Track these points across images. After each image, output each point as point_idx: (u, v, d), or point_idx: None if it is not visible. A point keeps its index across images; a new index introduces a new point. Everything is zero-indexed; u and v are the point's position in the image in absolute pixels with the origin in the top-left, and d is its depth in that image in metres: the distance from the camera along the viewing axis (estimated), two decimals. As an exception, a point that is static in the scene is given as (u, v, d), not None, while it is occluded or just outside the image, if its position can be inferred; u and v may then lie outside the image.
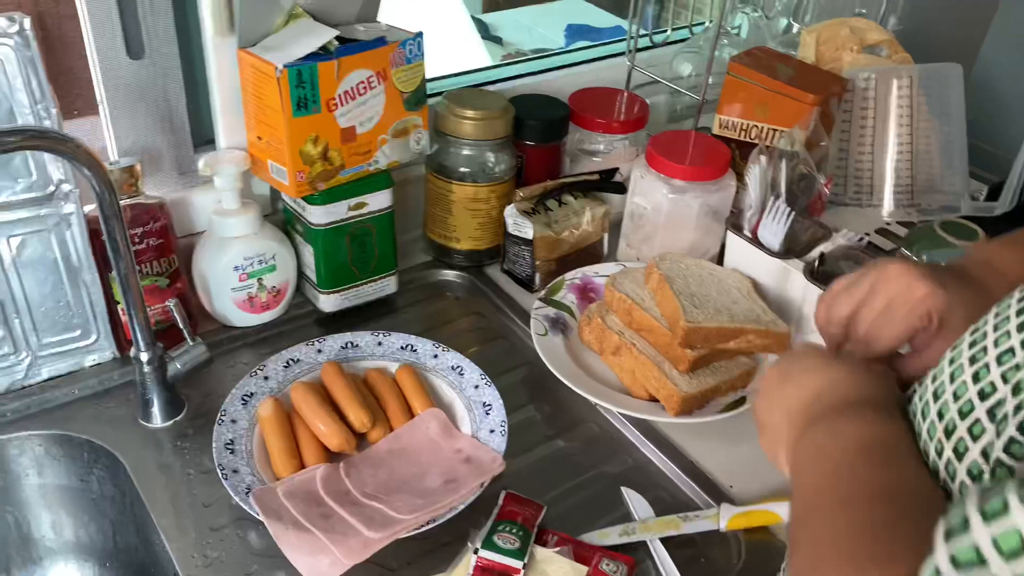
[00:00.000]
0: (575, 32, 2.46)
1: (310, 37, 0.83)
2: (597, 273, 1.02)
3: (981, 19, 1.48)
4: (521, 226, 0.99)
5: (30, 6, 0.76)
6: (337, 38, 0.85)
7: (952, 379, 0.44)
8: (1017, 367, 0.40)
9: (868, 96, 1.00)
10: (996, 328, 0.42)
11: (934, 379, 0.46)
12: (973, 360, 0.43)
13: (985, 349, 0.42)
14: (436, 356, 0.88)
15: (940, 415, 0.44)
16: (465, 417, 0.82)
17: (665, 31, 1.24)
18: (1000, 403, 0.40)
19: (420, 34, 0.89)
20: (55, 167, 0.78)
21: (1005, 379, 0.40)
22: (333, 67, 0.82)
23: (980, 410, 0.41)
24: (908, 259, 0.64)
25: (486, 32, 2.50)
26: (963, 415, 0.42)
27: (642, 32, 1.16)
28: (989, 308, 0.45)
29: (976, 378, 0.42)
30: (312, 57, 0.81)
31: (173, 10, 0.83)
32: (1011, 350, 0.40)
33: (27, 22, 0.72)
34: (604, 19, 2.61)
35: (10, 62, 0.72)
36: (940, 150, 1.02)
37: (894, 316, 0.60)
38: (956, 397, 0.43)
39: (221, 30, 0.83)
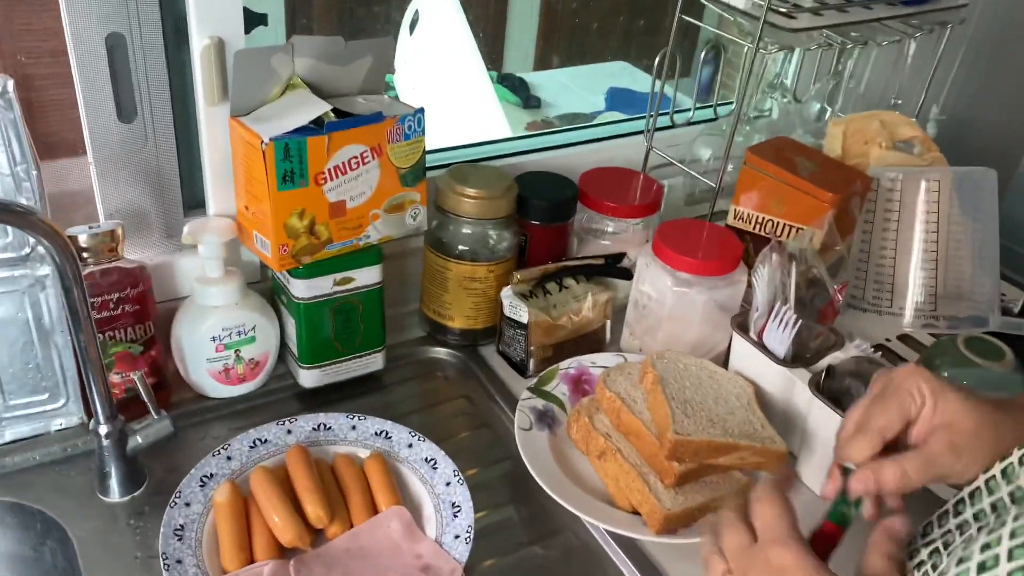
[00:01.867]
0: (616, 96, 2.44)
1: (303, 109, 0.81)
2: (594, 363, 0.97)
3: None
4: (517, 309, 0.95)
5: (13, 68, 0.75)
6: (335, 110, 0.83)
7: None
8: None
9: (894, 197, 0.95)
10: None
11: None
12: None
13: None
14: (411, 445, 0.84)
15: None
16: (432, 518, 0.77)
17: (688, 110, 1.20)
18: None
19: (421, 110, 0.86)
20: (32, 229, 0.76)
21: None
22: (323, 142, 0.79)
23: None
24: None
25: (526, 91, 2.49)
26: None
27: (663, 111, 1.12)
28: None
29: None
30: (302, 131, 0.79)
31: (168, 74, 0.81)
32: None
33: (10, 84, 0.71)
34: (646, 83, 2.60)
35: (-9, 123, 0.71)
36: (972, 255, 0.95)
37: (886, 400, 0.61)
38: None
39: (213, 98, 0.81)
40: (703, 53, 1.13)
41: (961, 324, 0.92)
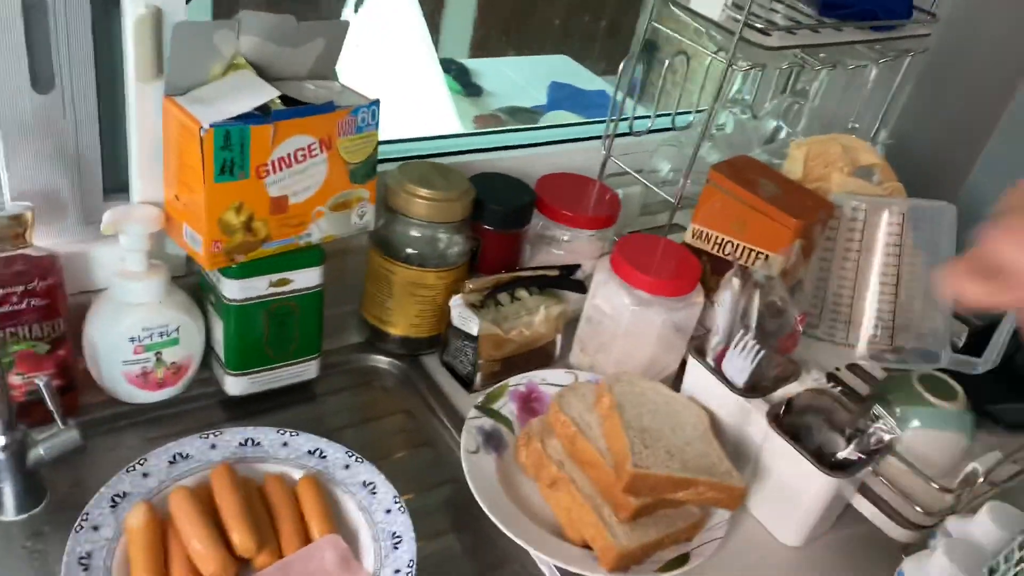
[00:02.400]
0: (558, 91, 2.40)
1: (248, 93, 0.73)
2: (544, 380, 0.93)
3: (973, 145, 1.44)
4: (467, 320, 0.89)
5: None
6: (281, 96, 0.75)
7: None
8: None
9: (855, 227, 0.93)
10: None
11: None
12: None
13: None
14: (347, 467, 0.78)
15: None
16: (370, 548, 0.71)
17: (649, 117, 1.16)
18: None
19: (376, 102, 0.79)
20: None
21: None
22: (269, 131, 0.72)
23: None
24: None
25: (467, 79, 2.42)
26: None
27: (625, 116, 1.08)
28: None
29: None
30: (246, 118, 0.71)
31: (94, 43, 0.72)
32: None
33: (-95, 42, 0.61)
34: (588, 80, 2.56)
35: None
36: (924, 290, 0.95)
37: None
38: None
39: (146, 74, 0.72)
40: (632, 58, 1.06)
41: (913, 359, 0.92)
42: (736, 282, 0.84)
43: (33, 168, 0.75)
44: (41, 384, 0.69)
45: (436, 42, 2.34)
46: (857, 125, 1.18)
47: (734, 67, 0.95)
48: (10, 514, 0.70)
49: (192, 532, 0.67)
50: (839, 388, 0.84)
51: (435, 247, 0.90)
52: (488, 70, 2.61)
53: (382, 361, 0.96)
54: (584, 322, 0.96)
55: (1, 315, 0.71)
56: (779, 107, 1.21)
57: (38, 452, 0.70)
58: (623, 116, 1.08)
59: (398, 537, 0.72)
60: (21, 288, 0.71)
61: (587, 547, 0.75)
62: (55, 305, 0.74)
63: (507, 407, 0.88)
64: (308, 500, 0.73)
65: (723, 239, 0.95)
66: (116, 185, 0.81)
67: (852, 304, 0.94)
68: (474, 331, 0.89)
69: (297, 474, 0.76)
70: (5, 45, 0.68)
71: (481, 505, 0.75)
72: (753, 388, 0.83)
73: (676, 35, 0.99)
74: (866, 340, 0.94)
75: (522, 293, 0.95)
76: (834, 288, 0.95)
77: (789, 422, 0.80)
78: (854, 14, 1.00)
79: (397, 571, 0.69)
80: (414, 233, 0.89)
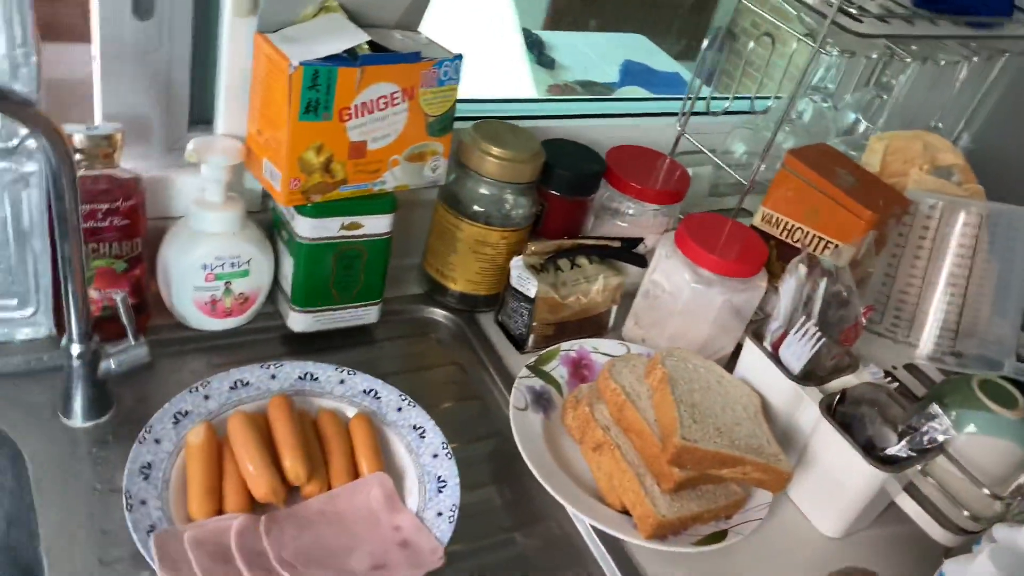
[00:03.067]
0: (631, 71, 2.37)
1: (338, 36, 0.74)
2: (596, 349, 0.93)
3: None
4: (525, 282, 0.90)
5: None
6: (369, 43, 0.76)
7: None
8: None
9: (929, 225, 0.91)
10: None
11: None
12: None
13: None
14: (400, 409, 0.79)
15: None
16: (415, 489, 0.73)
17: (727, 98, 1.15)
18: None
19: (460, 56, 0.80)
20: (23, 120, 0.69)
21: None
22: (355, 75, 0.73)
23: None
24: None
25: (540, 51, 2.41)
26: None
27: (702, 95, 1.07)
28: None
29: None
30: (334, 59, 0.72)
31: (194, -26, 0.74)
32: None
33: (20, -43, 0.63)
34: (664, 62, 2.53)
35: (-7, -3, 0.64)
36: (993, 296, 0.92)
37: None
38: None
39: (242, 9, 0.74)
40: (716, 38, 1.06)
41: (975, 364, 0.90)
42: (803, 269, 0.83)
43: (126, 91, 0.77)
44: (119, 298, 0.72)
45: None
46: (940, 124, 1.15)
47: (822, 52, 0.93)
48: (79, 421, 0.73)
49: (247, 455, 0.69)
50: (895, 385, 0.83)
51: (501, 207, 0.91)
52: (562, 43, 2.59)
53: (439, 314, 0.97)
54: (641, 296, 0.96)
55: (85, 230, 0.74)
56: (861, 99, 1.18)
57: (108, 364, 0.73)
58: (701, 95, 1.07)
59: (443, 481, 0.73)
60: (106, 206, 0.74)
61: (626, 512, 0.76)
62: (135, 226, 0.77)
63: (558, 370, 0.89)
64: (359, 437, 0.75)
65: (793, 225, 0.94)
66: (201, 116, 0.83)
67: (917, 303, 0.92)
68: (531, 293, 0.89)
69: (350, 411, 0.78)
70: (111, -31, 0.70)
71: (525, 460, 0.76)
72: (807, 376, 0.83)
73: (764, 14, 0.98)
74: (929, 340, 0.92)
75: (582, 261, 0.96)
76: (901, 285, 0.93)
77: (841, 412, 0.80)
78: (952, 7, 0.98)
79: (439, 514, 0.71)
80: (483, 191, 0.90)
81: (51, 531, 0.65)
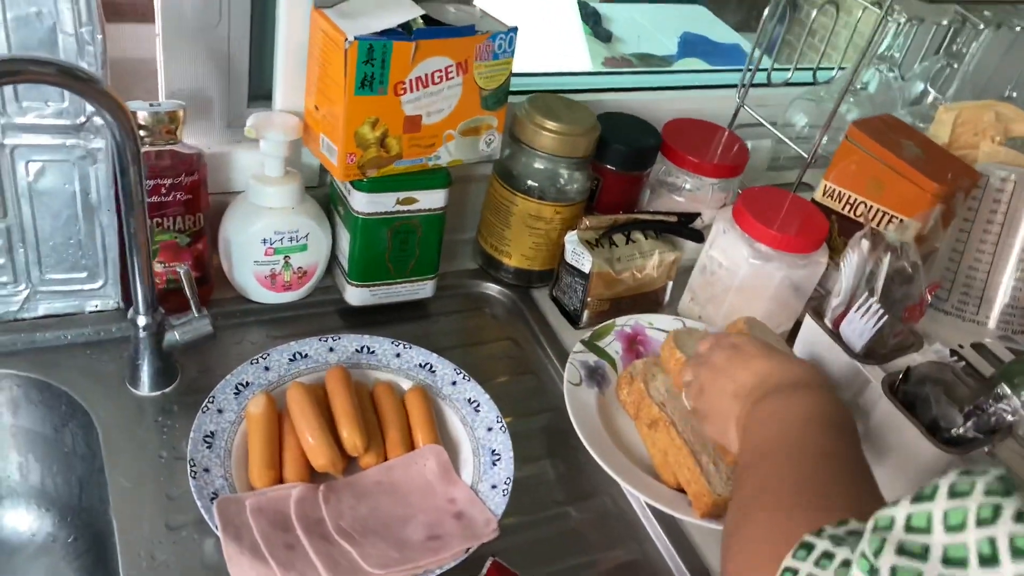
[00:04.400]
0: (689, 42, 2.33)
1: (393, 10, 0.74)
2: (651, 324, 0.92)
3: None
4: (580, 257, 0.89)
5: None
6: (423, 17, 0.76)
7: None
8: None
9: (1001, 199, 0.88)
10: None
11: None
12: None
13: None
14: (455, 383, 0.80)
15: None
16: (469, 462, 0.74)
17: (788, 69, 1.12)
18: None
19: (515, 29, 0.79)
20: (90, 97, 0.71)
21: None
22: (410, 49, 0.73)
23: None
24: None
25: (597, 22, 2.38)
26: None
27: (762, 67, 1.04)
28: None
29: None
30: (389, 34, 0.72)
31: (253, -49, 0.75)
32: None
33: (86, -65, 0.65)
34: (724, 34, 2.47)
35: (61, -25, 0.65)
36: (1069, 273, 0.89)
37: None
38: None
39: (298, -17, 0.75)
40: (777, 7, 1.01)
41: (1048, 345, 0.87)
42: (865, 244, 0.81)
43: (187, 68, 0.79)
44: (182, 272, 0.73)
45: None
46: (1015, 94, 1.10)
47: (889, 18, 0.90)
48: (145, 390, 0.76)
49: (306, 426, 0.71)
50: (962, 364, 0.80)
51: (556, 181, 0.91)
52: (620, 16, 2.55)
53: (493, 289, 0.97)
54: (698, 272, 0.95)
55: (150, 205, 0.76)
56: (929, 69, 1.14)
57: (173, 336, 0.75)
58: (762, 67, 1.04)
59: (497, 455, 0.74)
60: (169, 181, 0.76)
61: (680, 490, 0.75)
62: (197, 200, 0.79)
63: (612, 345, 0.89)
64: (415, 409, 0.75)
65: (856, 199, 0.91)
66: (260, 92, 0.84)
67: (987, 280, 0.89)
68: (586, 268, 0.89)
69: (406, 384, 0.79)
70: (172, -53, 0.72)
71: (579, 435, 0.76)
72: (869, 354, 0.81)
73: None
74: (997, 318, 0.89)
75: (638, 236, 0.95)
76: (969, 261, 0.90)
77: (904, 391, 0.78)
78: (1029, -29, 0.93)
79: (494, 486, 0.71)
80: (537, 165, 0.90)
81: (120, 496, 0.67)
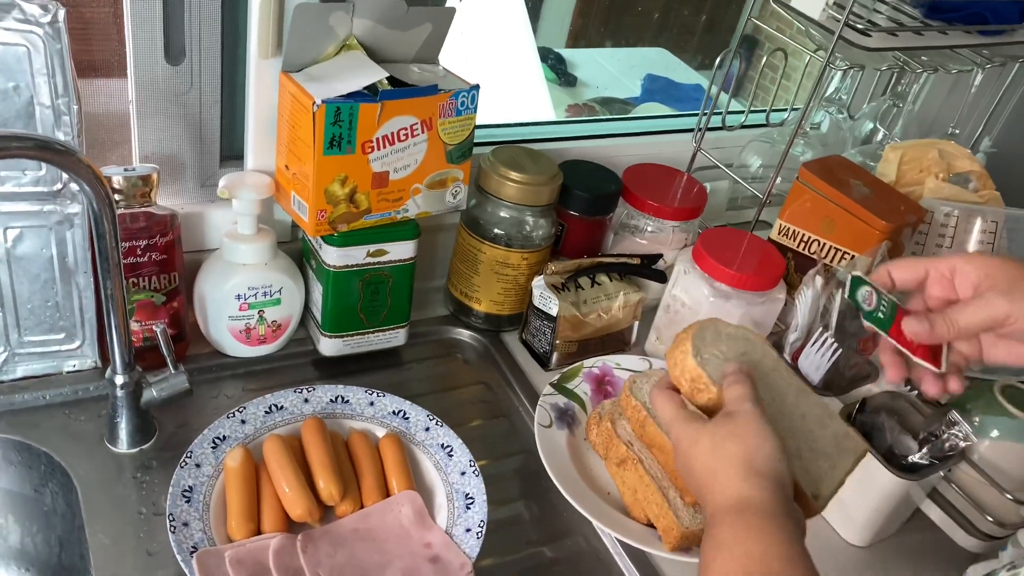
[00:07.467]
0: (653, 83, 2.39)
1: (359, 73, 0.78)
2: (619, 365, 0.95)
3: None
4: (547, 301, 0.92)
5: (67, -3, 0.72)
6: (389, 78, 0.80)
7: None
8: None
9: (945, 232, 0.92)
10: None
11: None
12: None
13: None
14: (428, 429, 0.82)
15: None
16: (444, 507, 0.76)
17: (742, 112, 1.17)
18: None
19: (476, 87, 0.83)
20: (66, 164, 0.73)
21: None
22: (375, 110, 0.77)
23: None
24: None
25: (562, 69, 2.44)
26: None
27: (717, 109, 1.08)
28: None
29: None
30: (355, 96, 0.76)
31: (222, 19, 0.78)
32: None
33: (61, 13, 0.68)
34: (685, 75, 2.54)
35: (38, 52, 0.68)
36: (1015, 301, 0.93)
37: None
38: None
39: (266, 51, 0.78)
40: (724, 53, 1.06)
41: (1000, 371, 0.90)
42: (819, 280, 0.85)
43: (160, 133, 0.81)
44: (158, 330, 0.75)
45: (535, 30, 2.37)
46: (957, 131, 1.15)
47: (832, 66, 0.95)
48: (124, 447, 0.77)
49: (283, 476, 0.72)
50: (915, 393, 0.83)
51: (522, 228, 0.94)
52: (584, 60, 2.62)
53: (465, 335, 1.00)
54: (662, 311, 0.98)
55: (125, 266, 0.78)
56: (877, 109, 1.19)
57: (151, 393, 0.76)
58: (716, 110, 1.08)
59: (471, 498, 0.76)
60: (144, 242, 0.78)
61: (650, 525, 0.77)
62: (172, 260, 0.81)
63: (581, 387, 0.91)
64: (389, 457, 0.77)
65: (809, 237, 0.95)
66: (232, 153, 0.87)
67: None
68: (554, 312, 0.92)
69: (380, 432, 0.81)
70: (146, 19, 0.75)
71: (551, 476, 0.79)
72: (828, 386, 0.84)
73: (776, 32, 1.00)
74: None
75: (603, 278, 0.98)
76: (919, 293, 0.94)
77: (861, 421, 0.81)
78: (963, 18, 0.99)
79: (468, 530, 0.73)
80: (503, 214, 0.93)
81: (100, 553, 0.68)
